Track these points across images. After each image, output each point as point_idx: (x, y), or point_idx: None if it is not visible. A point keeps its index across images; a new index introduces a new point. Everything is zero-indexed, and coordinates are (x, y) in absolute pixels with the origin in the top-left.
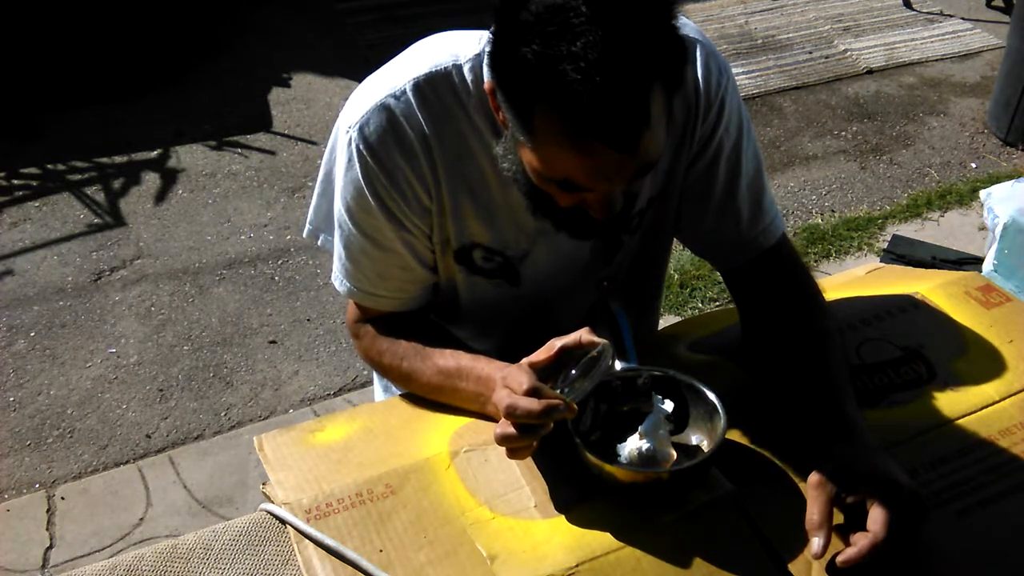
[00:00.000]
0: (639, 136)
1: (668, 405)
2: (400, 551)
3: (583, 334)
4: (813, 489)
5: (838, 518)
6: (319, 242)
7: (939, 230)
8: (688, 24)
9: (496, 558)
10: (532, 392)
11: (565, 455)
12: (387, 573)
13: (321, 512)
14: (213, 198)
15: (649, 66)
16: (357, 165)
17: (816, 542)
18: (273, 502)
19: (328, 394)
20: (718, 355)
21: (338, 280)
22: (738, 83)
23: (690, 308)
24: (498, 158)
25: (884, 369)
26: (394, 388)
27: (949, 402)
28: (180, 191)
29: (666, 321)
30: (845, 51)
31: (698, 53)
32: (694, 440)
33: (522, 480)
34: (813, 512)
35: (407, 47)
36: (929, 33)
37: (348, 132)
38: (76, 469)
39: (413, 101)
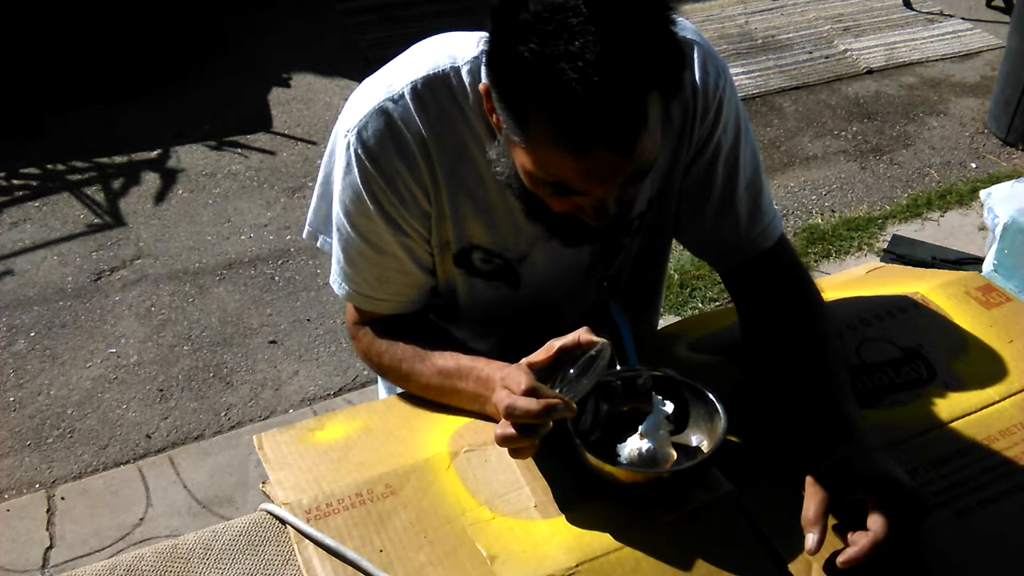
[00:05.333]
0: (636, 138)
1: (668, 405)
2: (400, 551)
3: (581, 334)
4: (811, 486)
5: (837, 516)
6: (318, 243)
7: (939, 230)
8: (686, 25)
9: (496, 558)
10: (530, 392)
11: (565, 455)
12: (387, 573)
13: (321, 512)
14: (213, 198)
15: (647, 68)
16: (355, 169)
17: (810, 538)
18: (273, 501)
19: (328, 394)
20: (718, 355)
21: (336, 283)
22: (738, 83)
23: (690, 308)
24: (492, 162)
25: (884, 369)
26: (398, 388)
27: (949, 402)
28: (180, 191)
29: (666, 321)
30: (845, 51)
31: (696, 54)
32: (694, 440)
33: (522, 480)
34: (809, 508)
35: (407, 47)
36: (929, 33)
37: (346, 136)
38: (76, 469)
39: (411, 105)
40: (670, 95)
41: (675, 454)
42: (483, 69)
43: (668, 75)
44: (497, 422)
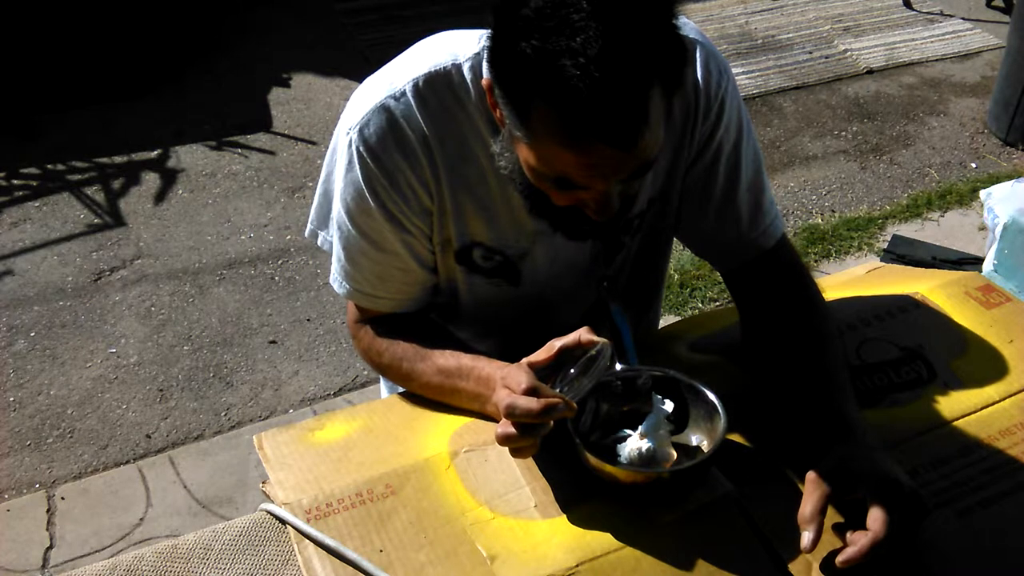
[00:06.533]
0: (638, 134)
1: (668, 405)
2: (400, 551)
3: (582, 333)
4: (809, 484)
5: (838, 517)
6: (319, 242)
7: (939, 230)
8: (688, 25)
9: (496, 558)
10: (531, 391)
11: (565, 455)
12: (387, 573)
13: (321, 512)
14: (213, 198)
15: (649, 64)
16: (357, 167)
17: (806, 536)
18: (273, 501)
19: (328, 394)
20: (718, 355)
21: (337, 282)
22: (738, 83)
23: (690, 308)
24: (495, 156)
25: (884, 369)
26: (399, 387)
27: (949, 402)
28: (180, 191)
29: (666, 321)
30: (845, 51)
31: (698, 54)
32: (694, 440)
33: (522, 480)
34: (806, 506)
35: (407, 47)
36: (929, 33)
37: (348, 134)
38: (76, 469)
39: (413, 102)
40: (672, 91)
41: (675, 454)
42: (485, 65)
43: (670, 70)
44: (497, 422)
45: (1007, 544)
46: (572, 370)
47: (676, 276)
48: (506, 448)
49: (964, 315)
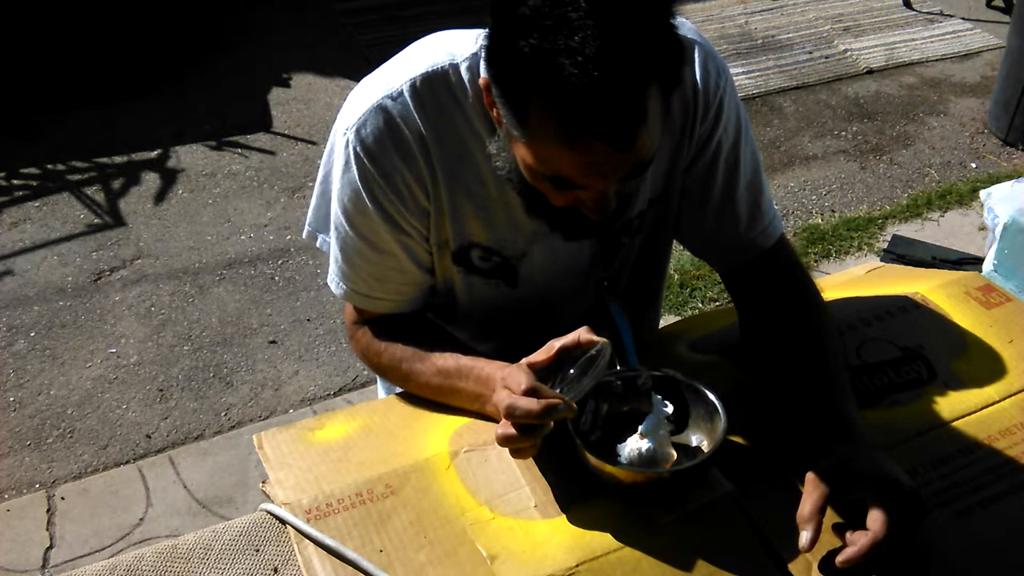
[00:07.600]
0: (635, 133)
1: (668, 406)
2: (400, 551)
3: (582, 334)
4: (809, 484)
5: (837, 517)
6: (317, 243)
7: (939, 230)
8: (686, 25)
9: (496, 558)
10: (531, 392)
11: (565, 455)
12: (387, 573)
13: (321, 512)
14: (213, 198)
15: (647, 63)
16: (354, 167)
17: (804, 535)
18: (273, 500)
19: (328, 394)
20: (718, 355)
21: (334, 283)
22: (738, 83)
23: (690, 308)
24: (492, 157)
25: (884, 369)
26: (397, 388)
27: (949, 402)
28: (180, 191)
29: (666, 321)
30: (845, 51)
31: (696, 54)
32: (694, 440)
33: (522, 480)
34: (804, 505)
35: (406, 47)
36: (929, 33)
37: (345, 134)
38: (76, 469)
39: (410, 102)
40: (670, 90)
41: (675, 454)
42: (483, 64)
43: (667, 69)
44: (497, 422)
45: (1007, 544)
46: (572, 370)
47: (676, 276)
48: (506, 448)
49: (964, 315)
